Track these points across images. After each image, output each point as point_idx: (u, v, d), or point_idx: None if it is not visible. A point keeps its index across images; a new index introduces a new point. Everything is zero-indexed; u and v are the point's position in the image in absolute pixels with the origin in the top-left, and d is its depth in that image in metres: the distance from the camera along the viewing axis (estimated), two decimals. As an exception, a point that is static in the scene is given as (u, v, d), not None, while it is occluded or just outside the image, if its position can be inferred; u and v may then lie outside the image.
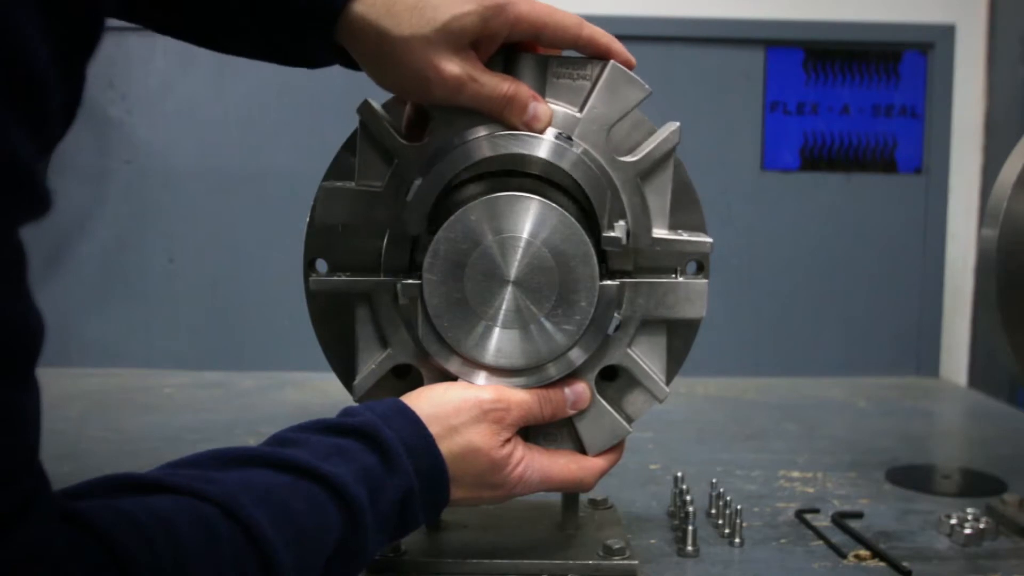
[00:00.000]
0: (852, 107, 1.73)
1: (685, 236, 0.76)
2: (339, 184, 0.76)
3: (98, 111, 1.69)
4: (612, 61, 0.75)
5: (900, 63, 1.73)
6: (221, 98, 1.71)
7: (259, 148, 1.71)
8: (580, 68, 0.75)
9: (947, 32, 1.73)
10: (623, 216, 0.75)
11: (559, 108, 0.75)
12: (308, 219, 0.80)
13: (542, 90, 0.75)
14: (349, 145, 0.78)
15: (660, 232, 0.76)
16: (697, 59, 1.71)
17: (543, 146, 0.73)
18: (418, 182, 0.73)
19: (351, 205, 0.75)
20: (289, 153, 1.69)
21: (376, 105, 0.75)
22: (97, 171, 1.70)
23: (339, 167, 0.78)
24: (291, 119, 1.70)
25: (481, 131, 0.73)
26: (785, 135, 1.73)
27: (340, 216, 0.75)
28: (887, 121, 1.74)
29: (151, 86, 1.70)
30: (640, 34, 1.69)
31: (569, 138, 0.74)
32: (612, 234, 0.73)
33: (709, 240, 0.77)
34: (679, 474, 0.93)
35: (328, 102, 1.68)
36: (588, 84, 0.75)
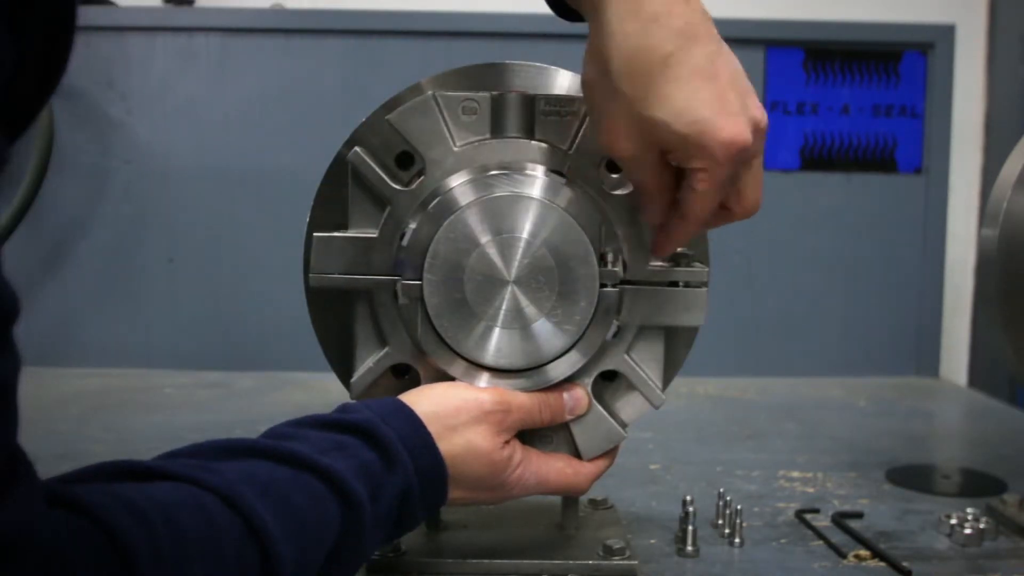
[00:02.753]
0: (852, 107, 1.73)
1: (682, 266, 0.77)
2: (334, 234, 0.76)
3: (98, 111, 1.69)
4: None
5: (900, 63, 1.73)
6: (221, 98, 1.71)
7: (259, 148, 1.71)
8: (567, 105, 0.75)
9: (947, 32, 1.73)
10: (619, 249, 0.75)
11: (549, 144, 0.76)
12: (308, 219, 0.80)
13: (530, 128, 0.76)
14: (329, 177, 0.79)
15: (657, 262, 0.77)
16: (697, 59, 1.71)
17: (537, 185, 0.73)
18: (412, 226, 0.74)
19: (346, 253, 0.76)
20: (289, 153, 1.69)
21: (366, 154, 0.75)
22: (97, 171, 1.70)
23: (324, 199, 0.80)
24: (291, 119, 1.70)
25: (471, 174, 0.74)
26: (785, 135, 1.73)
27: (336, 266, 0.76)
28: (887, 121, 1.74)
29: (151, 86, 1.70)
30: (640, 34, 1.69)
31: (560, 173, 0.75)
32: (608, 267, 0.74)
33: (706, 269, 0.77)
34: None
35: (328, 102, 1.68)
36: (576, 120, 0.75)
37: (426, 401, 0.71)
